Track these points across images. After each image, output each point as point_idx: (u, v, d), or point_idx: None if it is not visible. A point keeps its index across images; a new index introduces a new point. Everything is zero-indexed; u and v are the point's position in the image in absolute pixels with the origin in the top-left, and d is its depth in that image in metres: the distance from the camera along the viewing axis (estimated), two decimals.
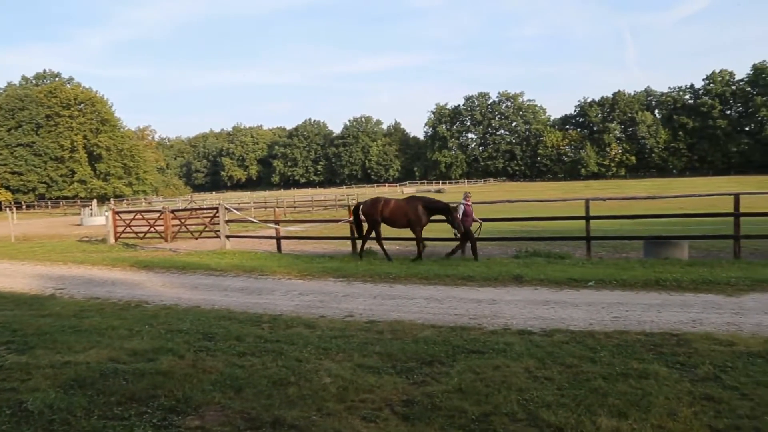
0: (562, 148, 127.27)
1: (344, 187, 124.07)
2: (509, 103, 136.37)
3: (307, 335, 6.64)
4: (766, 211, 13.64)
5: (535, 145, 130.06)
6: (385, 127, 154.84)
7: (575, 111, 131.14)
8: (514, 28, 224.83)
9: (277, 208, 32.06)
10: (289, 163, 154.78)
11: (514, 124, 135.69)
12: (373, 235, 13.91)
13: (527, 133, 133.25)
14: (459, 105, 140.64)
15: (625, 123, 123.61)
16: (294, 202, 52.08)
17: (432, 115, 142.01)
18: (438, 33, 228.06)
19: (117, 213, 22.07)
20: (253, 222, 19.42)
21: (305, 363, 5.52)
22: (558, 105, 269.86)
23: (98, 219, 35.28)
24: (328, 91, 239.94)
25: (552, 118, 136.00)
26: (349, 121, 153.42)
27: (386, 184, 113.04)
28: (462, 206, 13.41)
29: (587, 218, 13.01)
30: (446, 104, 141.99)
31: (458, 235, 13.21)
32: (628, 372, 4.97)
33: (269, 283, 11.20)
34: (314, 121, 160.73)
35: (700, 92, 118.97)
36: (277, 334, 6.75)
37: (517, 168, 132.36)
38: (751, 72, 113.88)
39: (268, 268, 12.79)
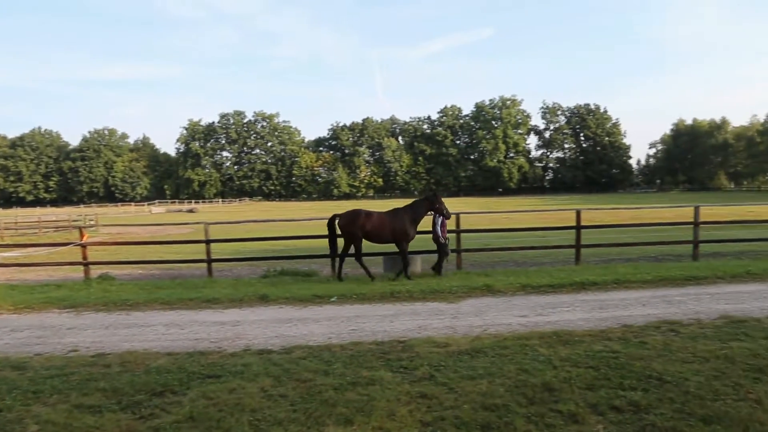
0: (316, 169, 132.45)
1: (82, 205, 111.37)
2: (265, 123, 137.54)
3: (14, 379, 5.72)
4: (484, 228, 15.96)
5: (290, 165, 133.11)
6: (132, 141, 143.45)
7: (328, 134, 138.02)
8: (271, 49, 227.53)
9: None
10: (12, 178, 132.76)
11: (269, 144, 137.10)
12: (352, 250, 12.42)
13: (282, 153, 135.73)
14: (214, 122, 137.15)
15: (373, 147, 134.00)
16: (15, 222, 44.86)
17: (185, 131, 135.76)
18: (193, 46, 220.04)
19: None
20: None
21: (6, 412, 4.76)
22: (312, 127, 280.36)
23: None
24: (63, 98, 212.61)
25: (306, 139, 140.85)
26: (90, 132, 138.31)
27: (132, 204, 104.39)
28: (440, 217, 12.69)
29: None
30: (200, 120, 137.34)
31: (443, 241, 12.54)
32: (358, 380, 5.31)
33: None
34: (45, 130, 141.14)
35: (436, 123, 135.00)
36: None
37: (272, 188, 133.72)
38: (474, 109, 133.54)
39: None
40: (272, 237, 15.60)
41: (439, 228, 12.46)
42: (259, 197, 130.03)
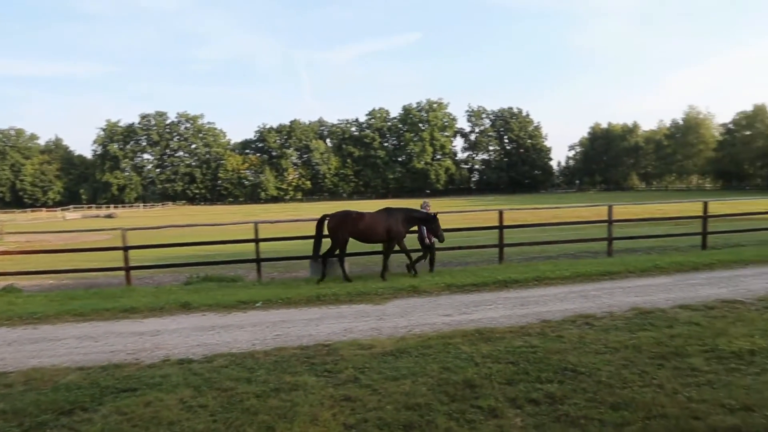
0: (242, 171, 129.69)
1: None
2: (189, 125, 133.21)
3: None
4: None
5: (215, 168, 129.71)
6: (42, 142, 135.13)
7: (255, 136, 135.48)
8: (194, 49, 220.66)
9: None
10: None
11: (193, 146, 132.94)
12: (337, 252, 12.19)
13: (207, 155, 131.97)
14: (134, 123, 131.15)
15: (301, 150, 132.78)
16: None
17: (102, 133, 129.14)
18: (111, 44, 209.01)
19: None
20: None
21: None
22: (238, 129, 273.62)
23: None
24: None
25: (232, 141, 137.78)
26: None
27: (44, 209, 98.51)
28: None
29: (256, 240, 13.44)
30: (119, 121, 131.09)
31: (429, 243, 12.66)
32: (281, 386, 5.23)
33: None
34: None
35: (364, 125, 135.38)
36: None
37: (197, 191, 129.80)
38: (402, 112, 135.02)
39: None
40: (196, 242, 15.11)
41: (425, 231, 12.71)
42: (184, 201, 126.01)
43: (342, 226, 12.03)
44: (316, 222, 12.44)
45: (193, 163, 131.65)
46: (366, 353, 6.30)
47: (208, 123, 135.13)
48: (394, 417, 4.38)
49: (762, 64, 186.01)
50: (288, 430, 4.22)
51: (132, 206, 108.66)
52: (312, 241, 12.34)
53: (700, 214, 16.30)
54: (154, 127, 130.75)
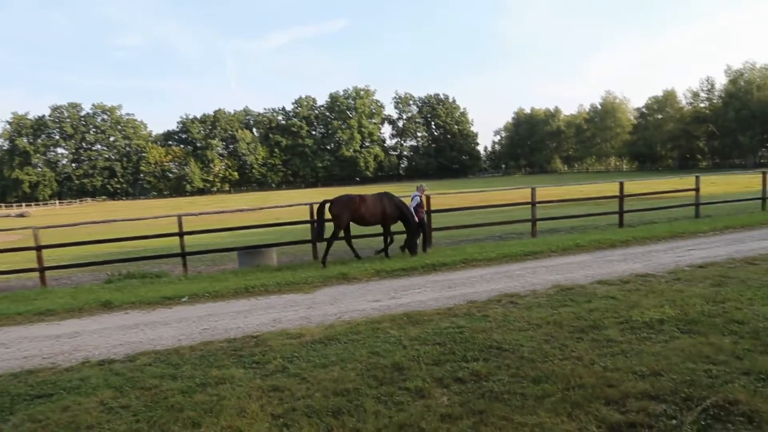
0: (165, 164, 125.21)
1: None
2: (106, 117, 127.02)
3: None
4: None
5: (137, 161, 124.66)
6: None
7: (178, 127, 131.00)
8: (110, 38, 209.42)
9: None
10: None
11: (112, 138, 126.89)
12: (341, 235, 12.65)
13: (128, 148, 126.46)
14: (44, 116, 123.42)
15: (227, 140, 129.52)
16: None
17: (8, 127, 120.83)
18: (16, 31, 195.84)
19: None
20: None
21: None
22: (160, 121, 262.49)
23: None
24: None
25: (154, 133, 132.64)
26: None
27: None
28: (417, 197, 13.37)
29: (181, 234, 13.03)
30: (27, 114, 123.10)
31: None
32: (207, 381, 5.11)
33: None
34: None
35: (291, 114, 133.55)
36: None
37: (118, 186, 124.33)
38: (329, 100, 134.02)
39: None
40: (117, 238, 14.46)
41: (413, 210, 13.10)
42: (104, 197, 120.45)
43: (346, 209, 12.39)
44: (313, 207, 13.02)
45: (113, 157, 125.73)
46: (295, 342, 6.25)
47: (127, 114, 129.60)
48: (322, 404, 4.37)
49: (671, 51, 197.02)
50: (214, 425, 4.12)
51: (47, 204, 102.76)
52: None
53: (617, 194, 17.12)
54: (68, 120, 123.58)
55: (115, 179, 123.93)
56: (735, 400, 4.00)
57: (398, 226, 13.25)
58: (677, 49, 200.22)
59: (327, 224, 12.68)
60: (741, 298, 6.96)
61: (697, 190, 17.82)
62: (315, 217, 12.90)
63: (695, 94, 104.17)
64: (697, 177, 18.13)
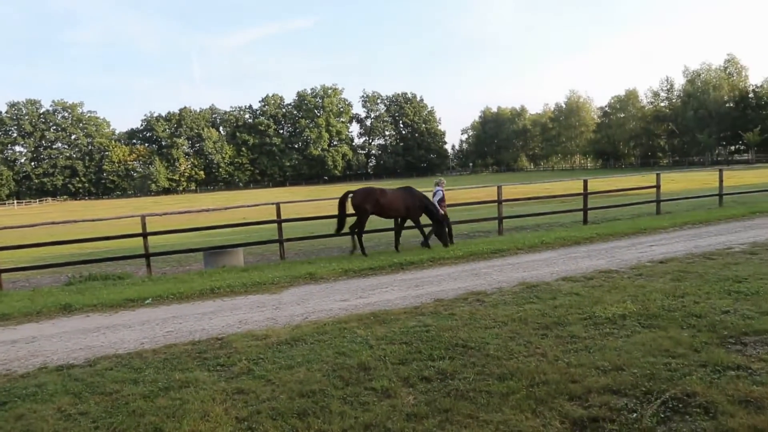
0: (130, 163, 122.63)
1: None
2: (67, 114, 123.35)
3: None
4: (309, 216, 16.02)
5: (99, 160, 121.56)
6: None
7: (142, 125, 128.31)
8: (69, 32, 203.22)
9: None
10: None
11: (73, 137, 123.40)
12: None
13: (90, 147, 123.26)
14: (0, 112, 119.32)
15: (193, 138, 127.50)
16: None
17: None
18: None
19: None
20: None
21: None
22: (123, 118, 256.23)
23: None
24: None
25: (117, 131, 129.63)
26: None
27: None
28: (440, 192, 13.74)
29: (144, 235, 12.77)
30: None
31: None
32: (170, 385, 5.01)
33: None
34: None
35: (258, 113, 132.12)
36: None
37: (80, 185, 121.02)
38: (297, 98, 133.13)
39: None
40: (78, 239, 14.07)
41: (437, 204, 13.49)
42: (65, 196, 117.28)
43: (367, 201, 12.74)
44: (338, 200, 13.13)
45: (74, 155, 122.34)
46: (261, 344, 6.18)
47: (89, 112, 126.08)
48: (287, 406, 4.33)
49: (633, 51, 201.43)
50: (177, 430, 4.04)
51: (4, 204, 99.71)
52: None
53: (582, 191, 17.41)
54: (26, 117, 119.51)
55: (77, 178, 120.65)
56: (692, 393, 4.11)
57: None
58: (639, 49, 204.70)
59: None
60: (699, 292, 7.16)
61: (658, 187, 18.25)
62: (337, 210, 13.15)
63: (656, 94, 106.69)
64: (658, 174, 18.56)
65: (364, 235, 13.24)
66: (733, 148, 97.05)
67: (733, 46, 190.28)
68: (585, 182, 17.50)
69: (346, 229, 13.06)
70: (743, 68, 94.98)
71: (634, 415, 3.87)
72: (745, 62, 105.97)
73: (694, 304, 6.55)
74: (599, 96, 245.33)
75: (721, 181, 19.32)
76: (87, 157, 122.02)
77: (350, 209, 13.02)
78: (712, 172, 28.03)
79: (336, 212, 13.09)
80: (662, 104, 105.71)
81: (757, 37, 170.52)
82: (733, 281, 7.68)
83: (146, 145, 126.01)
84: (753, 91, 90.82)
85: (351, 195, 12.95)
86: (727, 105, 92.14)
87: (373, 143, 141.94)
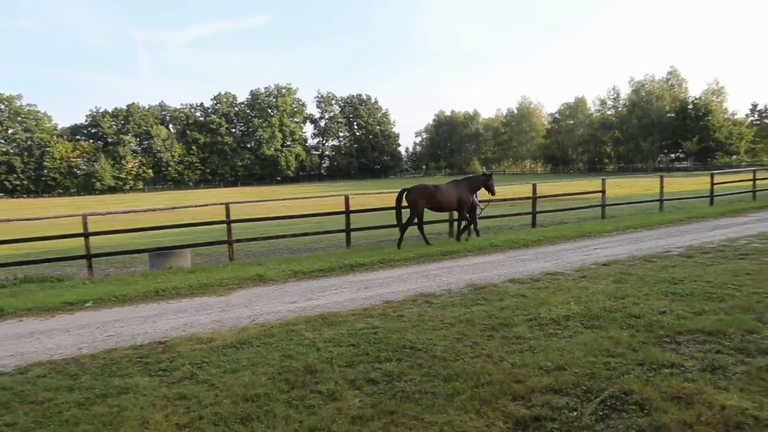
0: (73, 160, 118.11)
1: None
2: (3, 106, 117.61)
3: None
4: (259, 216, 15.78)
5: (39, 156, 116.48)
6: None
7: (87, 121, 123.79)
8: (7, 19, 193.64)
9: None
10: None
11: (11, 131, 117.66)
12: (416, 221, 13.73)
13: (29, 142, 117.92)
14: None
15: (141, 136, 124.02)
16: None
17: None
18: None
19: None
20: None
21: None
22: (66, 113, 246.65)
23: None
24: None
25: (60, 127, 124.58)
26: None
27: None
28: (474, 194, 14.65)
29: (86, 235, 12.30)
30: None
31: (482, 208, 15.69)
32: (108, 391, 4.83)
33: None
34: None
35: (210, 111, 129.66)
36: None
37: (17, 182, 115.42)
38: (250, 97, 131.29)
39: None
40: (14, 239, 13.41)
41: (476, 199, 14.84)
42: (1, 194, 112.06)
43: (422, 197, 13.40)
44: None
45: (12, 151, 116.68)
46: (205, 347, 6.03)
47: (28, 105, 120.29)
48: (231, 411, 4.23)
49: (582, 59, 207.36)
50: None
51: None
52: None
53: (531, 195, 17.78)
54: None
55: (15, 175, 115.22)
56: (629, 390, 4.23)
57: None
58: (589, 58, 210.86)
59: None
60: (639, 293, 7.40)
61: (603, 192, 18.82)
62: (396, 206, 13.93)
63: (603, 102, 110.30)
64: (603, 180, 19.15)
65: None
66: (673, 156, 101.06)
67: (675, 59, 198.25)
68: (534, 186, 17.88)
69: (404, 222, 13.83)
70: (684, 80, 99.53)
71: (575, 413, 3.95)
72: (685, 75, 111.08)
73: (634, 305, 6.76)
74: (550, 103, 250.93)
75: (661, 187, 20.11)
76: (26, 153, 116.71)
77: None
78: (654, 178, 29.12)
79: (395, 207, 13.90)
80: (609, 112, 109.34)
81: (696, 50, 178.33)
82: (670, 283, 7.99)
83: (91, 141, 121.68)
84: (692, 102, 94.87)
85: (406, 192, 13.59)
86: (668, 115, 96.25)
87: (326, 144, 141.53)
